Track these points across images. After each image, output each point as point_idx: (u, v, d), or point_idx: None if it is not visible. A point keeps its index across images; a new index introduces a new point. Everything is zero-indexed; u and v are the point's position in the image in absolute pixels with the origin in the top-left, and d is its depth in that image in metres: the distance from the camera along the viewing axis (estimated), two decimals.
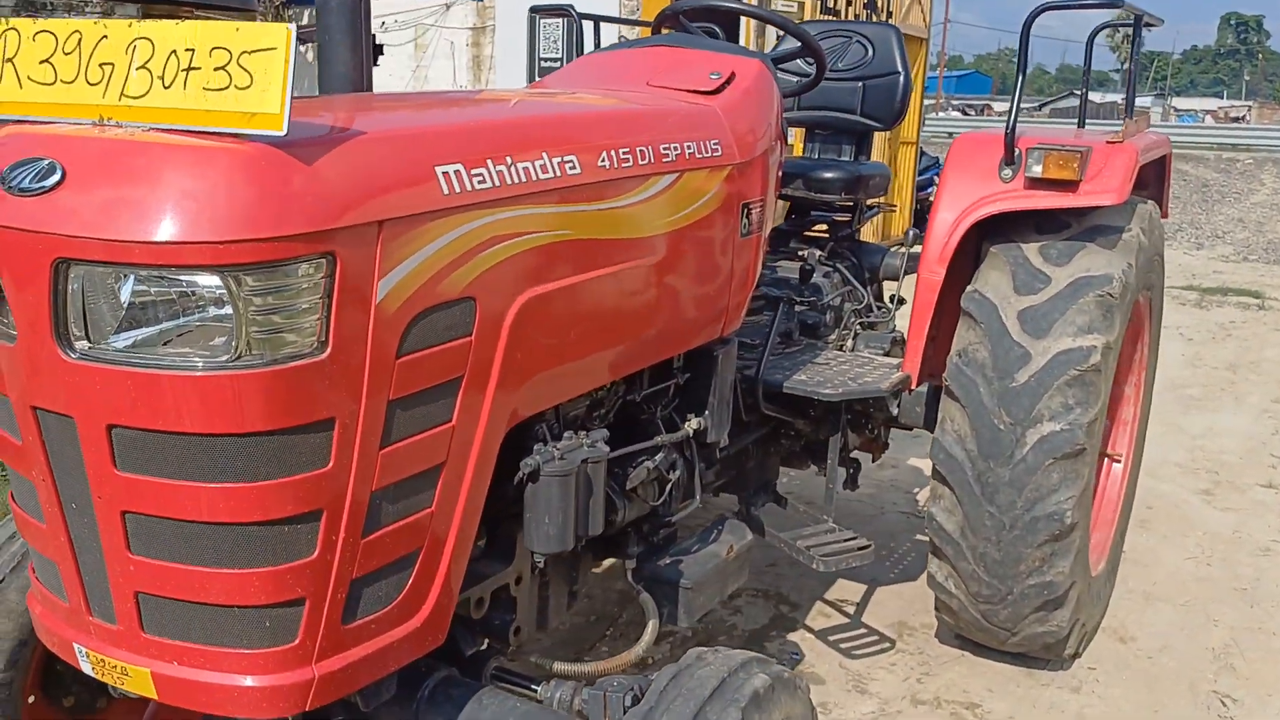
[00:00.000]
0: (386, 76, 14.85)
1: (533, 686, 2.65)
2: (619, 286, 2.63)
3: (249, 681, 2.01)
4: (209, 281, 1.81)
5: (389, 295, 2.00)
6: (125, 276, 1.81)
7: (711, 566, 3.18)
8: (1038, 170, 3.83)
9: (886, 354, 4.43)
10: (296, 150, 1.86)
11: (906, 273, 4.61)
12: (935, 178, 16.35)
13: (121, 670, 2.07)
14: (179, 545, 1.95)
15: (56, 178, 1.81)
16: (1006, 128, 3.89)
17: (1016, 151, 3.88)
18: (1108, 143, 3.91)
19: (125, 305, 1.84)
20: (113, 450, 1.90)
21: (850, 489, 4.60)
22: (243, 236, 1.78)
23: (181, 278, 1.81)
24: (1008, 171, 3.93)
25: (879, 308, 4.77)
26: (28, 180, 1.83)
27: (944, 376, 3.92)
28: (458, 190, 2.13)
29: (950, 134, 31.24)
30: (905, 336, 4.61)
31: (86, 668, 2.14)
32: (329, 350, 1.92)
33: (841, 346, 4.49)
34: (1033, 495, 3.73)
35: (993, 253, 4.00)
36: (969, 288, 3.95)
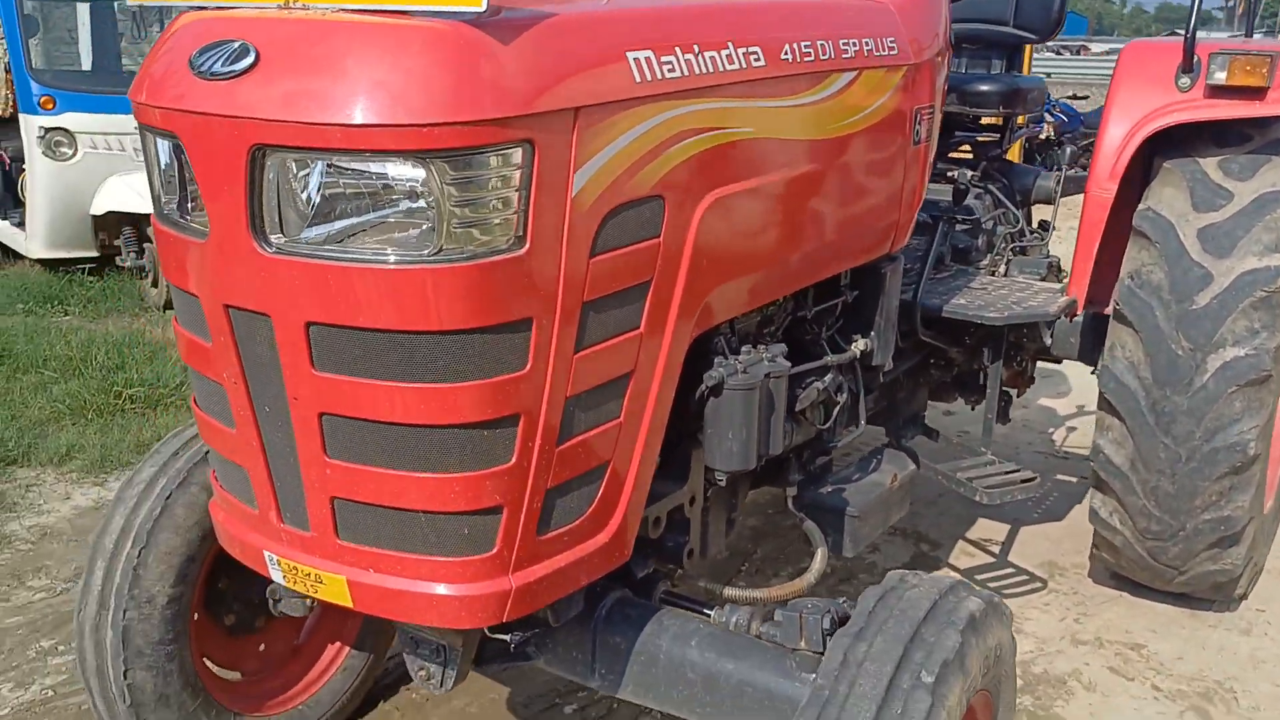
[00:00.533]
0: None
1: (705, 611, 2.56)
2: (800, 191, 2.49)
3: (447, 590, 1.94)
4: (408, 169, 1.72)
5: (584, 189, 1.89)
6: (323, 164, 1.73)
7: (876, 495, 3.05)
8: (1221, 77, 3.56)
9: (1042, 279, 4.21)
10: (493, 31, 1.75)
11: (1064, 195, 4.36)
12: (1046, 114, 15.79)
13: (315, 578, 2.02)
14: (377, 448, 1.88)
15: (250, 60, 1.73)
16: (1186, 33, 3.63)
17: (1195, 58, 3.62)
18: None
19: (323, 196, 1.76)
20: (310, 349, 1.83)
21: (1002, 423, 4.41)
22: (442, 120, 1.68)
23: (380, 165, 1.72)
24: (1186, 80, 3.67)
25: (1030, 232, 4.54)
26: (219, 64, 1.75)
27: (1114, 301, 3.70)
28: (649, 78, 2.00)
29: (1048, 74, 30.03)
30: (1060, 262, 4.40)
31: (277, 576, 2.10)
32: (527, 245, 1.82)
33: (994, 272, 4.29)
34: (1213, 425, 3.51)
35: (1166, 168, 3.75)
36: (1141, 205, 3.72)
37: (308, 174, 1.74)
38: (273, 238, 1.79)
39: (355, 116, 1.67)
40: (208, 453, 2.62)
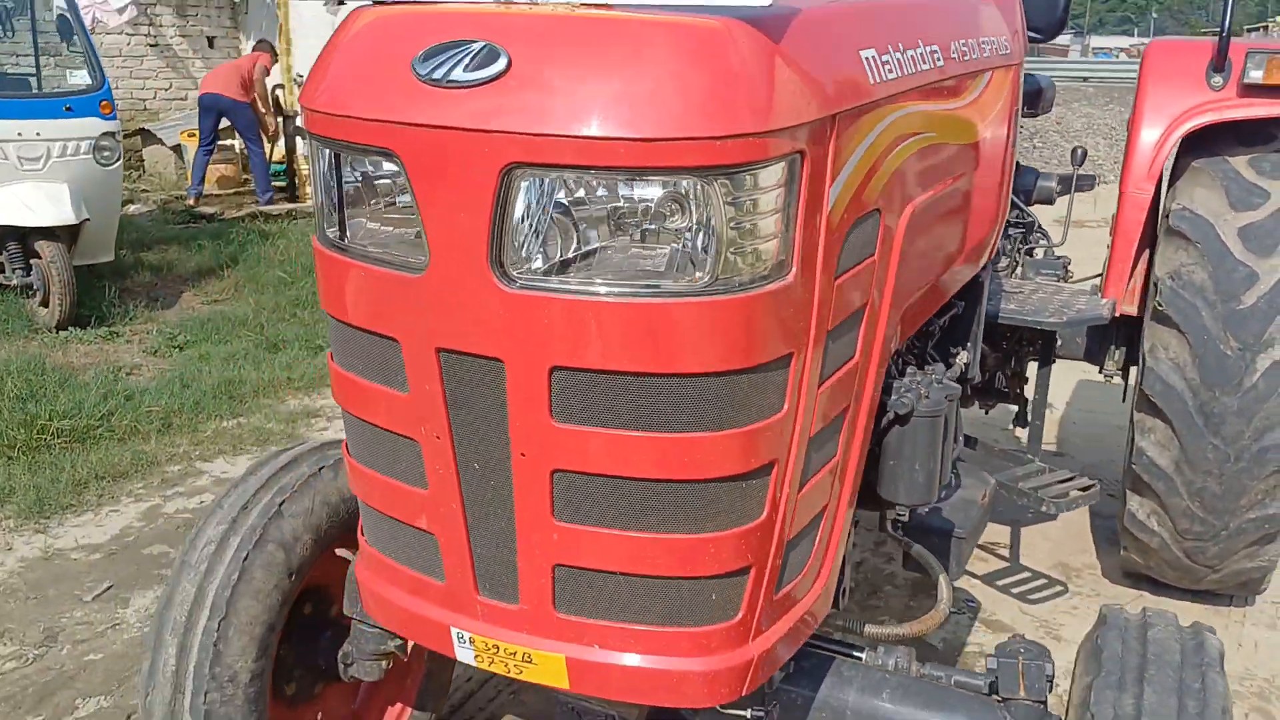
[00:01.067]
0: None
1: (854, 654, 2.37)
2: (960, 197, 2.34)
3: (687, 665, 1.70)
4: (687, 188, 1.48)
5: (835, 204, 1.69)
6: (589, 183, 1.47)
7: (975, 514, 2.92)
8: (1257, 76, 3.57)
9: (1060, 280, 4.18)
10: (766, 27, 1.53)
11: (1073, 190, 4.33)
12: None
13: (523, 656, 1.74)
14: (618, 509, 1.62)
15: (501, 65, 1.45)
16: (1220, 33, 3.62)
17: (1227, 59, 3.62)
18: None
19: (583, 221, 1.50)
20: (551, 398, 1.56)
21: (1022, 426, 4.37)
22: (731, 131, 1.45)
23: (655, 184, 1.47)
24: (1218, 79, 3.67)
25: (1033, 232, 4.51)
26: (461, 69, 1.47)
27: (1156, 301, 3.67)
28: (878, 79, 1.81)
29: None
30: (1069, 262, 4.39)
31: (466, 656, 1.81)
32: (793, 271, 1.60)
33: (1010, 274, 4.23)
34: (1263, 424, 3.51)
35: (1195, 168, 3.74)
36: (1174, 205, 3.69)
37: (569, 196, 1.48)
38: (515, 271, 1.52)
39: (635, 129, 1.42)
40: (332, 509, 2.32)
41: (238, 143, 12.23)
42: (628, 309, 1.51)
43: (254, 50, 12.24)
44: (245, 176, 12.73)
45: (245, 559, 2.36)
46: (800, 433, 1.71)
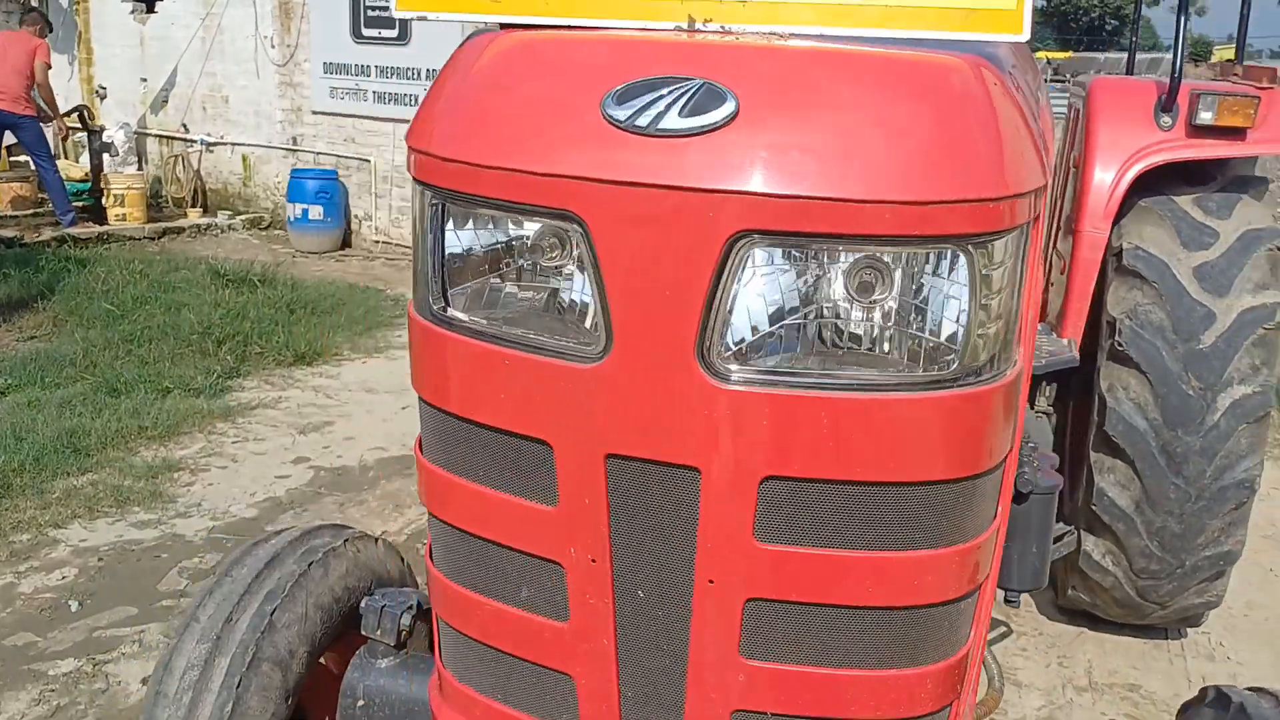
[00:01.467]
0: (169, 25, 13.14)
1: None
2: (1042, 259, 2.16)
3: None
4: (941, 260, 1.22)
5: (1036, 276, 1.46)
6: (834, 255, 1.19)
7: None
8: (1207, 117, 3.58)
9: None
10: (1007, 72, 1.29)
11: None
12: None
13: None
14: (823, 643, 1.34)
15: (728, 109, 1.15)
16: (1172, 74, 3.62)
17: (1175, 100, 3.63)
18: (1260, 89, 3.73)
19: (816, 300, 1.22)
20: (758, 513, 1.27)
21: None
22: (999, 194, 1.20)
23: (908, 256, 1.21)
24: (1167, 119, 3.67)
25: None
26: (675, 114, 1.16)
27: (1115, 341, 3.64)
28: (1048, 128, 1.60)
29: None
30: None
31: None
32: (1021, 353, 1.36)
33: None
34: (1223, 463, 3.52)
35: (1143, 207, 3.73)
36: (1125, 244, 3.68)
37: (803, 270, 1.19)
38: (725, 363, 1.22)
39: (902, 191, 1.15)
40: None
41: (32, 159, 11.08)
42: (864, 407, 1.23)
43: (23, 28, 10.80)
44: (41, 195, 11.56)
45: (238, 685, 1.94)
46: (999, 540, 1.47)
